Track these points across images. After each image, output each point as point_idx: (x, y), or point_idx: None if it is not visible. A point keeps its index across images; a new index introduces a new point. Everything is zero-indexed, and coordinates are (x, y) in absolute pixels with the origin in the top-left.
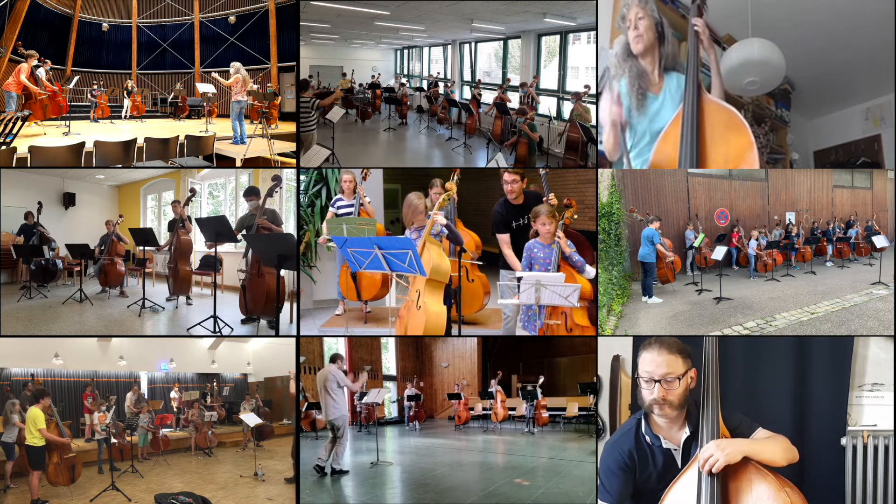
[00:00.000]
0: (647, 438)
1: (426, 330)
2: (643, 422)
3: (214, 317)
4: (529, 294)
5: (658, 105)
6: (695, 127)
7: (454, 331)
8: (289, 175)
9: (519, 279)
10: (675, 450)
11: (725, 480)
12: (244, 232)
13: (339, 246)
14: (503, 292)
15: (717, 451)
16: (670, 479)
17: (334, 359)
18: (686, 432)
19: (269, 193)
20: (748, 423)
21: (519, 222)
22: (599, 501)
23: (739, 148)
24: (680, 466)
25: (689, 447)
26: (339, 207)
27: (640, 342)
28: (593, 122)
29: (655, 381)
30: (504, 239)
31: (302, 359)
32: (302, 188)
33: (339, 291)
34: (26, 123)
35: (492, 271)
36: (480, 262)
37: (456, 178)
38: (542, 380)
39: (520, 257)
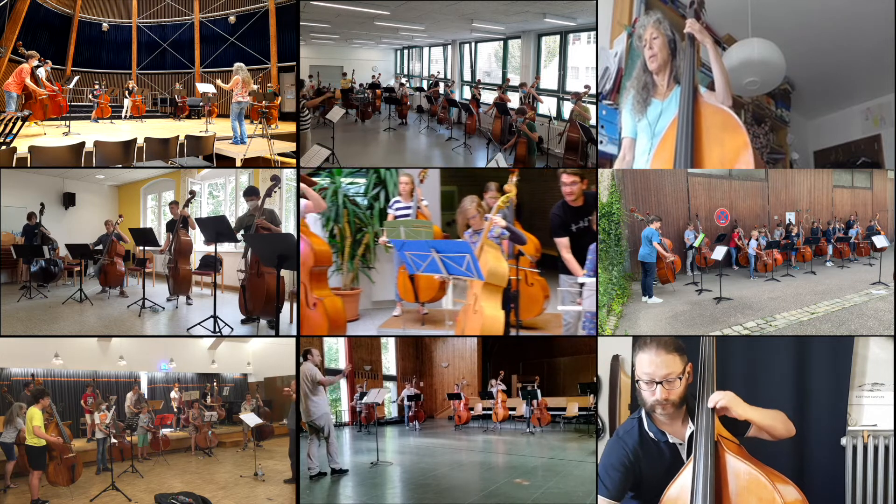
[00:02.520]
0: (652, 434)
1: (482, 334)
2: (645, 419)
3: (214, 317)
4: (593, 300)
5: (659, 111)
6: (690, 128)
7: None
8: (288, 175)
9: (582, 284)
10: (681, 444)
11: (719, 478)
12: (243, 232)
13: (398, 248)
14: (564, 298)
15: (726, 397)
16: (676, 472)
17: (306, 355)
18: (690, 427)
19: (268, 193)
20: (744, 423)
21: (579, 225)
22: (599, 497)
23: (734, 148)
24: (685, 461)
25: (693, 442)
26: (397, 209)
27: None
28: (593, 122)
29: (657, 383)
30: (563, 242)
31: (302, 359)
32: (361, 190)
33: (397, 293)
34: (26, 123)
35: (552, 275)
36: (538, 270)
37: (514, 179)
38: (537, 380)
39: (581, 261)
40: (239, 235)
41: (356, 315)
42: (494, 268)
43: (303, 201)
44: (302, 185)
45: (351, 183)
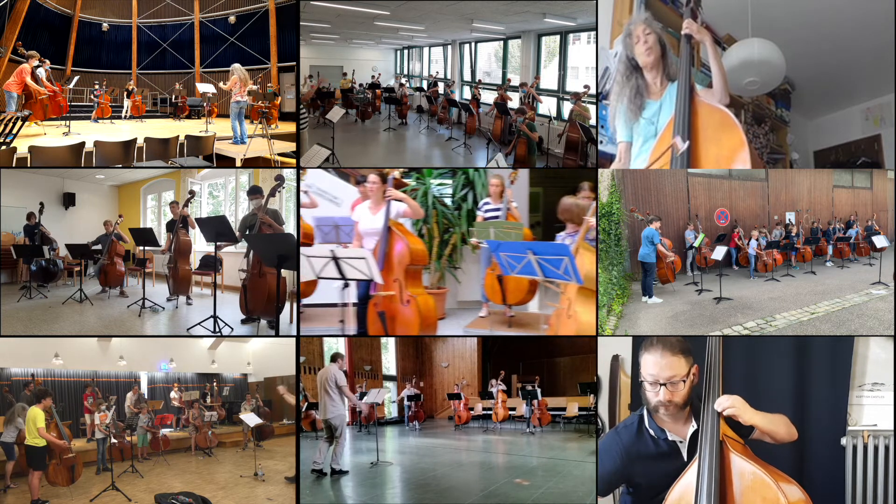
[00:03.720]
0: (652, 432)
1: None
2: (647, 416)
3: (214, 317)
4: None
5: (657, 108)
6: (686, 128)
7: None
8: (289, 175)
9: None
10: (681, 442)
11: (723, 477)
12: (247, 232)
13: (493, 250)
14: None
15: (734, 403)
16: (675, 469)
17: (335, 358)
18: (692, 426)
19: (272, 193)
20: (749, 426)
21: None
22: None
23: (731, 148)
24: (686, 459)
25: (696, 440)
26: (486, 211)
27: (640, 342)
28: (593, 122)
29: (661, 385)
30: None
31: (302, 359)
32: (449, 192)
33: (484, 294)
34: (26, 123)
35: None
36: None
37: None
38: (537, 380)
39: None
40: (239, 235)
41: (443, 314)
42: (592, 271)
43: (400, 206)
44: (401, 192)
45: (440, 184)
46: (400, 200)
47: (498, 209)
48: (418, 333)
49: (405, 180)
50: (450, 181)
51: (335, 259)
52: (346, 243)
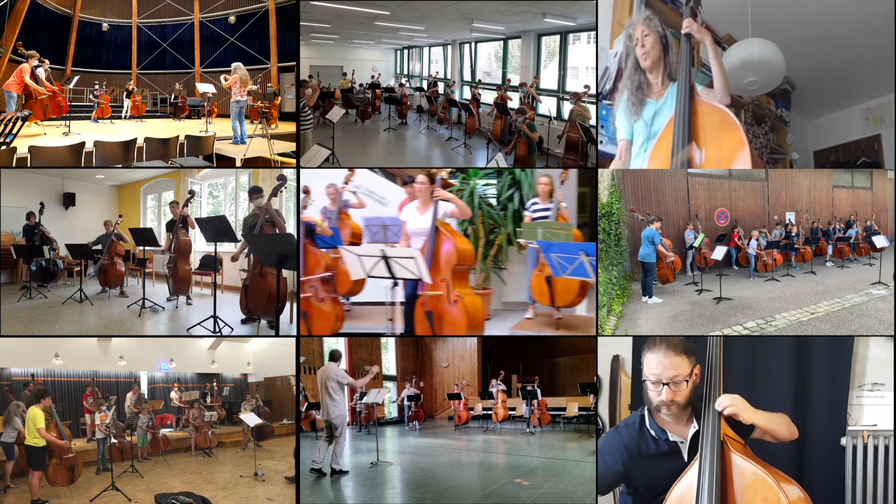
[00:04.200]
0: (653, 432)
1: None
2: (647, 416)
3: (214, 317)
4: None
5: (653, 112)
6: (686, 128)
7: None
8: (289, 175)
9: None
10: (682, 442)
11: (724, 477)
12: (251, 232)
13: (544, 250)
14: None
15: (734, 402)
16: (675, 469)
17: (334, 356)
18: (694, 426)
19: (274, 193)
20: (750, 425)
21: None
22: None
23: (731, 147)
24: (686, 459)
25: (697, 441)
26: (534, 211)
27: (640, 342)
28: (593, 122)
29: (664, 384)
30: None
31: (302, 359)
32: (494, 192)
33: (531, 295)
34: (26, 123)
35: None
36: None
37: None
38: (537, 380)
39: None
40: (239, 235)
41: (488, 315)
42: None
43: (448, 206)
44: (449, 192)
45: (486, 185)
46: (448, 201)
47: (548, 209)
48: (465, 333)
49: (451, 181)
50: (495, 181)
51: (385, 258)
52: (394, 243)
